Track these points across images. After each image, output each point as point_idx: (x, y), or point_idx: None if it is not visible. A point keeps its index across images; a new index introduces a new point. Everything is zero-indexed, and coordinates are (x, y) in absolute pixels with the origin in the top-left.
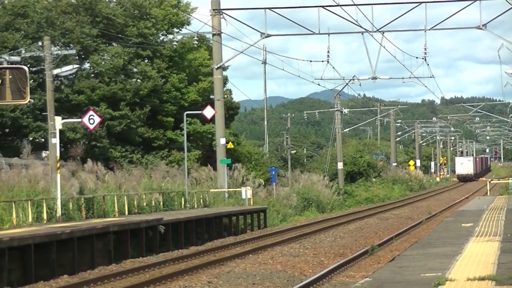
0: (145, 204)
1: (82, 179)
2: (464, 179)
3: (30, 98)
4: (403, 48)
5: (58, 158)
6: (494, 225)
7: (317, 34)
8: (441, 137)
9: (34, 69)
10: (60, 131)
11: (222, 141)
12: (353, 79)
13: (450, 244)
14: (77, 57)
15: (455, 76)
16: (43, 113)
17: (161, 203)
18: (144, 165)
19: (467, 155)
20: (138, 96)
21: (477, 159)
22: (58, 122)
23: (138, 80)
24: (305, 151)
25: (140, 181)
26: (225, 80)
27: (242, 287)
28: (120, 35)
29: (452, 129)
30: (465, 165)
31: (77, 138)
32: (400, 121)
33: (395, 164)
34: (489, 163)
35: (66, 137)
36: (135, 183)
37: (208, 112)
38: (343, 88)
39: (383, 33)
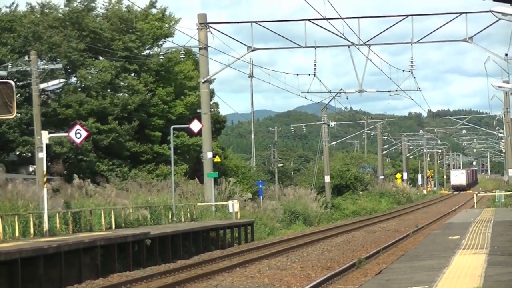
0: (132, 218)
1: (68, 194)
2: (458, 189)
3: (17, 112)
4: (389, 61)
5: (45, 172)
6: (481, 238)
7: (303, 47)
8: (428, 150)
9: (20, 83)
10: (47, 145)
11: (209, 154)
12: (340, 93)
13: (437, 257)
14: (64, 72)
15: (442, 89)
16: (30, 128)
17: (148, 217)
18: (131, 179)
19: (458, 168)
20: (126, 111)
21: (469, 171)
22: (45, 137)
23: (126, 95)
24: (292, 165)
25: (127, 195)
26: (211, 94)
27: None
28: (106, 49)
29: (439, 142)
30: (459, 177)
31: (64, 152)
32: (387, 134)
33: (382, 177)
34: (476, 175)
35: (52, 151)
36: (123, 198)
37: (195, 126)
38: (330, 102)
39: (370, 46)
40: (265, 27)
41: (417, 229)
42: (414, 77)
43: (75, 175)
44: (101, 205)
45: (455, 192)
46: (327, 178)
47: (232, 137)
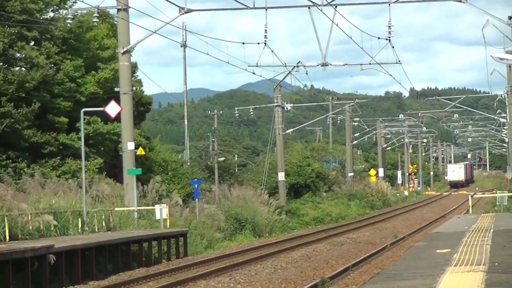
0: (31, 227)
1: None
2: (455, 185)
3: None
4: (361, 27)
5: None
6: (478, 251)
7: (251, 8)
8: (410, 140)
9: None
10: None
11: (130, 146)
12: (298, 66)
13: (422, 276)
14: None
15: (428, 62)
16: None
17: (53, 226)
18: (30, 177)
19: (450, 162)
20: (23, 90)
21: (467, 166)
22: None
23: (23, 69)
24: (236, 158)
25: (26, 197)
26: (133, 68)
27: None
28: None
29: (425, 129)
30: (456, 172)
31: None
32: (358, 119)
33: (352, 174)
34: (472, 171)
35: None
36: (20, 201)
37: (112, 109)
38: (285, 78)
39: (336, 6)
40: None
41: (396, 241)
42: (393, 47)
43: None
44: None
45: (445, 194)
46: (281, 176)
47: (160, 123)
